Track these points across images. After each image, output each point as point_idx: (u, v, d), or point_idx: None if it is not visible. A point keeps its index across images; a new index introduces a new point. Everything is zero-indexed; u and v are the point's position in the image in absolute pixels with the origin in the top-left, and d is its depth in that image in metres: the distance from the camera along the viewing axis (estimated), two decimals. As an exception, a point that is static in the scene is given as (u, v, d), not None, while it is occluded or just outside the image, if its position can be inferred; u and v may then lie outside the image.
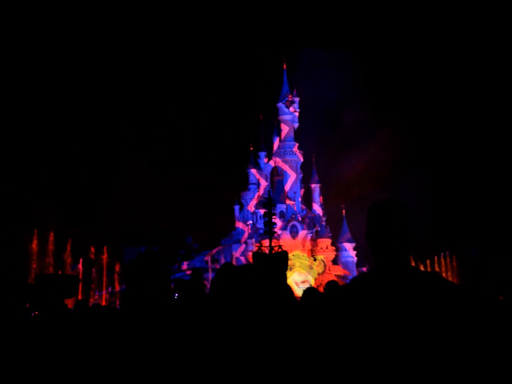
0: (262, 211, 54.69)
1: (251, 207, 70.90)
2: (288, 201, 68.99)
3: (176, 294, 5.42)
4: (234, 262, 57.03)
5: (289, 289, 3.95)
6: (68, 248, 54.44)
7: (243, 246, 67.63)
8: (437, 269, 68.36)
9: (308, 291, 4.78)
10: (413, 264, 2.41)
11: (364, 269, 67.26)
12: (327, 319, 2.84)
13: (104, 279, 57.47)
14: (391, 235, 2.23)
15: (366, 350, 2.15)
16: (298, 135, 72.51)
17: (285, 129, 71.90)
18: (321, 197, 72.89)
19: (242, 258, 64.41)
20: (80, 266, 56.17)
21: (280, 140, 72.16)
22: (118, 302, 49.68)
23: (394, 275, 2.21)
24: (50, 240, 52.98)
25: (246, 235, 68.78)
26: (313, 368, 2.59)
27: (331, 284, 5.23)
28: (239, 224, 70.96)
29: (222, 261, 65.65)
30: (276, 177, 72.32)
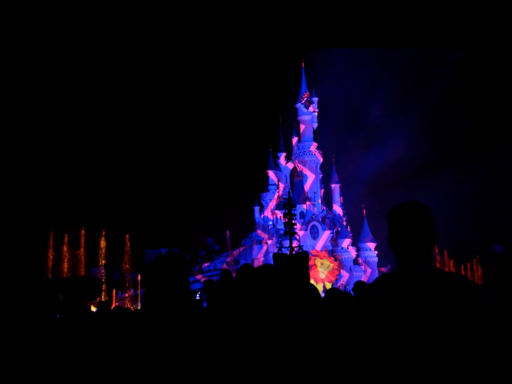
0: (281, 212, 54.62)
1: (270, 208, 70.88)
2: (308, 202, 68.81)
3: (198, 295, 5.41)
4: (255, 263, 57.12)
5: (314, 288, 3.90)
6: (87, 250, 55.12)
7: (264, 247, 67.64)
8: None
9: (331, 291, 4.72)
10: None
11: (383, 269, 66.70)
12: (351, 319, 2.77)
13: (127, 281, 58.04)
14: (415, 236, 2.26)
15: (392, 350, 2.14)
16: (318, 135, 72.44)
17: (304, 129, 71.78)
18: (341, 197, 72.55)
19: (263, 259, 64.40)
20: (102, 269, 56.98)
21: (299, 141, 72.04)
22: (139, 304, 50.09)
23: (419, 277, 2.23)
24: (66, 242, 53.73)
25: (266, 236, 68.77)
26: (334, 367, 2.53)
27: (358, 284, 5.18)
28: (259, 225, 70.95)
29: (243, 262, 65.75)
30: (296, 178, 72.21)
